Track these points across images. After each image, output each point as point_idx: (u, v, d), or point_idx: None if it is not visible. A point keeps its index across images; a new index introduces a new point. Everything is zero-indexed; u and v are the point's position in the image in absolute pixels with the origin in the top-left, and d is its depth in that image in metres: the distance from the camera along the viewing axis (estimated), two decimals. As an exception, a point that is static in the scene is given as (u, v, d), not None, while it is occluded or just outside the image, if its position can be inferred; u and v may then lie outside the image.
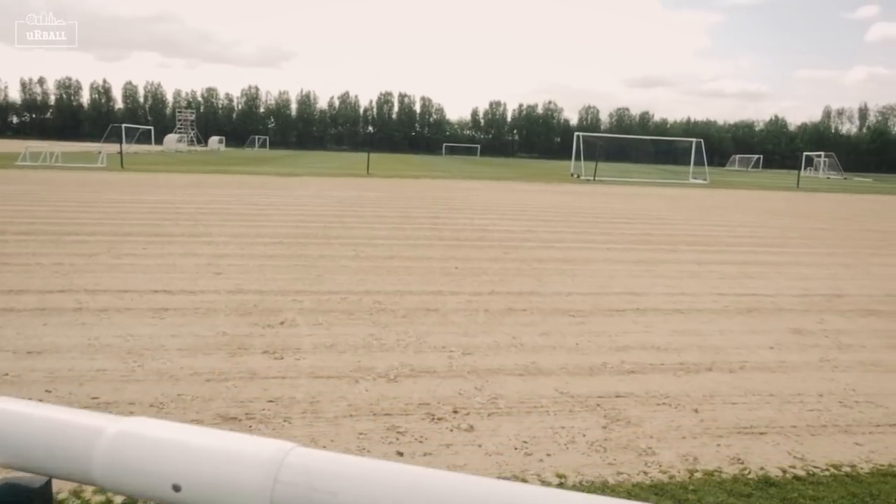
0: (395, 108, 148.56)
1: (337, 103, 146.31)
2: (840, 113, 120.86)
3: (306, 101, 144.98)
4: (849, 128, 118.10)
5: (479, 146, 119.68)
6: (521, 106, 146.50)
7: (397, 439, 3.78)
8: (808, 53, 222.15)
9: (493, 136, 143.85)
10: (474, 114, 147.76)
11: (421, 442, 3.77)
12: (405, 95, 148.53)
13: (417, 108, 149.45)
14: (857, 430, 4.22)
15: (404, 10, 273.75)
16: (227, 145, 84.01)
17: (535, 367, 5.06)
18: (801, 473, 3.60)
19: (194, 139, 72.23)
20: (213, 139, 75.87)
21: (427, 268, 8.70)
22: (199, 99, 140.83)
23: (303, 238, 10.79)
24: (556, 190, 27.64)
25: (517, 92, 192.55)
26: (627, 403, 4.44)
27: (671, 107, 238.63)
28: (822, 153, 67.30)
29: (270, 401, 4.22)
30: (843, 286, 8.65)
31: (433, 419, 4.07)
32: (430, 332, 5.83)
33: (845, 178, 60.15)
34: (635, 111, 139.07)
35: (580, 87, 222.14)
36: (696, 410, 4.37)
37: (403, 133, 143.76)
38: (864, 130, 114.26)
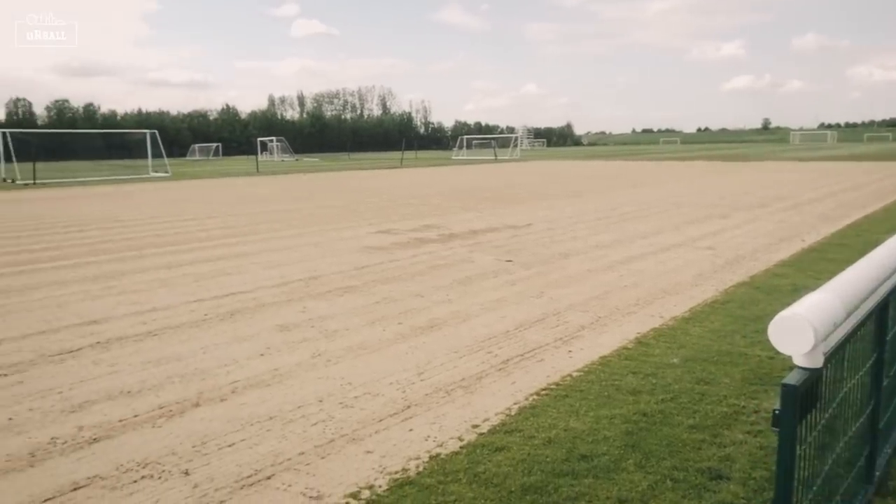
0: None
1: None
2: (283, 100, 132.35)
3: None
4: (292, 114, 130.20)
5: None
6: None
7: None
8: (245, 45, 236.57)
9: None
10: None
11: None
12: None
13: None
14: (364, 432, 3.83)
15: None
16: None
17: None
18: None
19: None
20: None
21: None
22: None
23: None
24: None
25: None
26: (89, 496, 3.14)
27: (119, 98, 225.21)
28: (274, 138, 72.34)
29: None
30: (316, 267, 8.68)
31: None
32: None
33: (297, 160, 65.98)
34: (77, 103, 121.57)
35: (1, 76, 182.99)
36: (186, 472, 3.35)
37: None
38: (305, 116, 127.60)
